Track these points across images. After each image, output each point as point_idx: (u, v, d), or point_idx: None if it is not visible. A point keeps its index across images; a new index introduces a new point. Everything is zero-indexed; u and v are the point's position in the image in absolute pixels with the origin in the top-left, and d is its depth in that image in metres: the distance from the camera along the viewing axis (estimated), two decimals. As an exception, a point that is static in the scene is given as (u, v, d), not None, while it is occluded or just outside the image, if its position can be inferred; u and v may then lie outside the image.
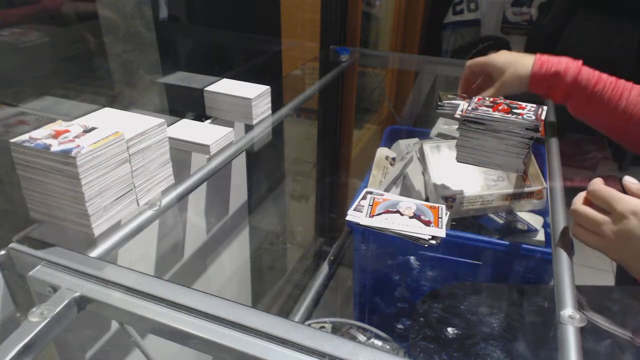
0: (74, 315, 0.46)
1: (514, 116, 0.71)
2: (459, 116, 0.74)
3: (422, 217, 0.73)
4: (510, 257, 0.88)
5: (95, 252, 0.53)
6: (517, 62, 0.81)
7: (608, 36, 1.66)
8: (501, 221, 0.96)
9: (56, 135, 0.52)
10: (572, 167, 2.15)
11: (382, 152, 1.11)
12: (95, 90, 0.71)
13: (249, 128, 0.84)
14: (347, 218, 0.74)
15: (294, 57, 1.35)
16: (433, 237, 0.69)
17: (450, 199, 0.91)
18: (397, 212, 0.74)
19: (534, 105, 0.75)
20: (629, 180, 0.56)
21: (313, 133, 1.53)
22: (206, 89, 0.83)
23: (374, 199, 0.78)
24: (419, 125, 1.31)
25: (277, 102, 0.90)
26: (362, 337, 0.86)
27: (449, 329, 0.78)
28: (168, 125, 0.69)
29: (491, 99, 0.78)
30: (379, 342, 0.87)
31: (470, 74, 0.87)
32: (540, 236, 0.94)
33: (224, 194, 1.01)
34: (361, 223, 0.72)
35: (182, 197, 0.67)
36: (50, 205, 0.53)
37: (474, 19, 2.29)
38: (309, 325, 0.68)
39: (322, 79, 1.19)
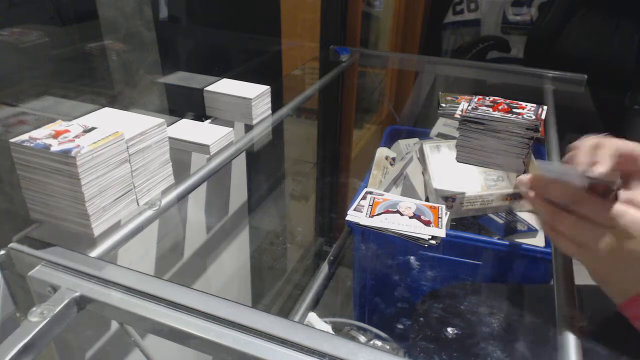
0: (74, 315, 0.46)
1: (514, 116, 0.70)
2: (459, 116, 0.74)
3: (422, 217, 0.73)
4: (510, 257, 0.88)
5: (95, 252, 0.53)
6: None
7: (608, 36, 1.66)
8: (501, 221, 0.96)
9: (56, 135, 0.52)
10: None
11: (382, 152, 1.11)
12: (95, 90, 0.71)
13: (249, 128, 0.84)
14: (347, 218, 0.74)
15: (294, 57, 1.35)
16: (433, 237, 0.69)
17: (450, 199, 0.91)
18: (397, 212, 0.74)
19: (534, 105, 0.75)
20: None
21: (313, 133, 1.53)
22: (206, 89, 0.83)
23: (373, 199, 0.78)
24: (419, 125, 1.31)
25: (277, 102, 0.90)
26: (362, 339, 0.86)
27: (449, 329, 0.78)
28: (168, 125, 0.69)
29: (491, 99, 0.78)
30: (379, 342, 0.87)
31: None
32: (540, 236, 0.94)
33: (224, 194, 1.01)
34: (361, 223, 0.72)
35: (182, 197, 0.67)
36: (50, 205, 0.53)
37: (474, 19, 2.29)
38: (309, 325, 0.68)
39: (322, 79, 1.19)
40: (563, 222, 0.49)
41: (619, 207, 0.46)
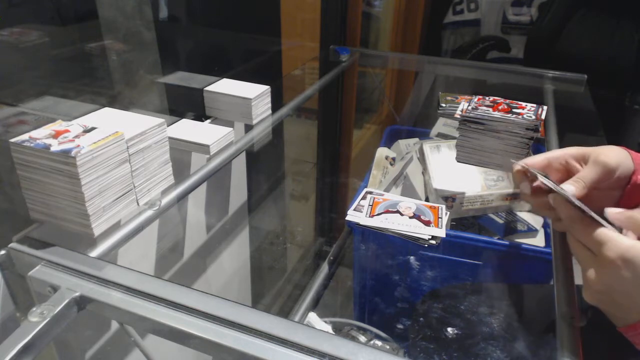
0: (74, 315, 0.46)
1: (514, 116, 0.70)
2: (459, 116, 0.74)
3: (422, 217, 0.73)
4: (510, 257, 0.88)
5: (95, 252, 0.53)
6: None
7: (608, 36, 1.66)
8: (501, 221, 0.96)
9: (56, 135, 0.52)
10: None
11: (382, 152, 1.11)
12: (95, 90, 0.71)
13: (249, 128, 0.84)
14: (347, 218, 0.74)
15: (294, 57, 1.35)
16: (433, 237, 0.69)
17: (450, 199, 0.91)
18: (397, 212, 0.74)
19: (534, 105, 0.74)
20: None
21: (313, 133, 1.53)
22: (206, 88, 0.83)
23: (373, 199, 0.78)
24: (419, 125, 1.31)
25: (277, 102, 0.90)
26: (362, 338, 0.86)
27: (449, 329, 0.78)
28: (168, 125, 0.69)
29: (491, 99, 0.78)
30: (379, 342, 0.87)
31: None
32: (540, 236, 0.94)
33: (224, 194, 1.01)
34: (361, 223, 0.72)
35: (182, 197, 0.67)
36: (50, 205, 0.53)
37: (474, 19, 2.29)
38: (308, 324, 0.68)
39: (322, 79, 1.19)
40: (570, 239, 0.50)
41: (602, 234, 0.44)
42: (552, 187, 0.50)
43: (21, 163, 0.51)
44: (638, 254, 0.41)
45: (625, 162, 0.54)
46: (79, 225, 0.52)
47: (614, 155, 0.53)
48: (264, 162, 1.25)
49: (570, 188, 0.51)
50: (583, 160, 0.55)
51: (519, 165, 0.57)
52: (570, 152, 0.56)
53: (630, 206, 0.55)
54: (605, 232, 0.44)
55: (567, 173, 0.56)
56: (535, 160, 0.57)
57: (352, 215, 0.74)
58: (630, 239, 0.43)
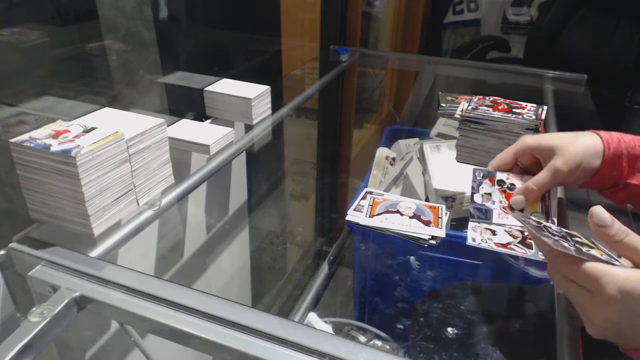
0: (74, 315, 0.46)
1: (514, 116, 0.70)
2: (459, 116, 0.74)
3: (422, 217, 0.73)
4: (510, 257, 0.88)
5: (95, 252, 0.53)
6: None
7: (608, 36, 1.66)
8: (501, 221, 0.95)
9: (56, 135, 0.52)
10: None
11: (382, 152, 1.11)
12: (95, 90, 0.71)
13: (249, 128, 0.84)
14: (347, 218, 0.74)
15: (294, 57, 1.35)
16: (433, 237, 0.69)
17: (450, 199, 0.91)
18: (397, 212, 0.74)
19: (534, 105, 0.75)
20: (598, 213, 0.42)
21: (313, 133, 1.53)
22: (206, 89, 0.83)
23: (373, 199, 0.78)
24: (419, 125, 1.31)
25: (277, 102, 0.90)
26: (362, 339, 0.86)
27: (449, 329, 0.78)
28: (168, 125, 0.69)
29: (491, 99, 0.78)
30: (379, 342, 0.87)
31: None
32: (540, 236, 0.94)
33: (224, 194, 1.01)
34: (361, 223, 0.72)
35: (182, 197, 0.67)
36: (50, 205, 0.53)
37: (474, 19, 2.29)
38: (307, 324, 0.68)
39: (322, 79, 1.19)
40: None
41: (593, 269, 0.41)
42: (528, 230, 0.49)
43: (21, 163, 0.51)
44: (636, 283, 0.39)
45: (592, 154, 0.55)
46: (79, 225, 0.52)
47: (573, 156, 0.55)
48: (264, 162, 1.25)
49: (519, 199, 0.57)
50: (550, 150, 0.57)
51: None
52: (534, 145, 0.58)
53: (596, 187, 0.59)
54: (596, 267, 0.41)
55: (537, 160, 0.59)
56: (502, 159, 0.60)
57: (352, 215, 0.74)
58: (620, 267, 0.41)
